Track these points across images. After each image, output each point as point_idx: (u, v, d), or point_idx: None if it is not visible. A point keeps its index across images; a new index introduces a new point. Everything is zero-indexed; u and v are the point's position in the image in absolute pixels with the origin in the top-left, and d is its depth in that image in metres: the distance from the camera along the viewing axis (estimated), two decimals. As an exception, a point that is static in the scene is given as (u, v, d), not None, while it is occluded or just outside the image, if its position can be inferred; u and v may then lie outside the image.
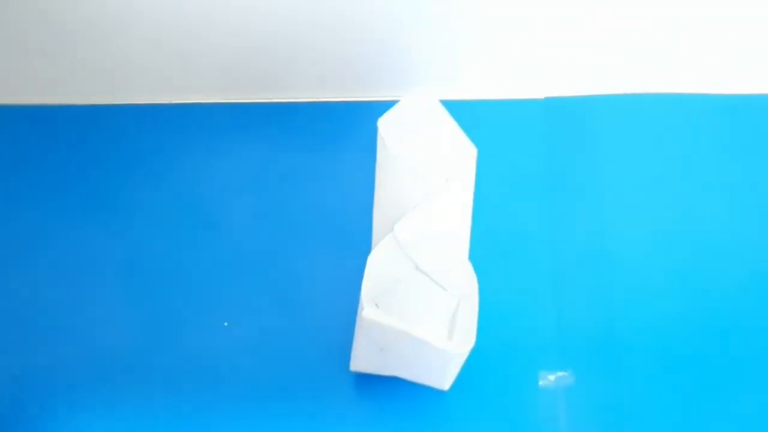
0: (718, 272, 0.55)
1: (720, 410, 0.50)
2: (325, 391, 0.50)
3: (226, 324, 0.52)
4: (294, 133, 0.60)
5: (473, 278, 0.47)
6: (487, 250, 0.53)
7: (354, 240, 0.51)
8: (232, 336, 0.52)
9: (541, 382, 0.51)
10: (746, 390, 0.51)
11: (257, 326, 0.52)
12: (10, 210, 0.57)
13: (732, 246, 0.56)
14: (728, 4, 0.60)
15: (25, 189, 0.58)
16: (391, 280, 0.49)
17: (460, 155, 0.46)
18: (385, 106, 0.47)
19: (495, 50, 0.61)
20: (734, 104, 0.63)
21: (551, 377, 0.51)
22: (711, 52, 0.62)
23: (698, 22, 0.61)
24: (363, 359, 0.48)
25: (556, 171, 0.59)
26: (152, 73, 0.61)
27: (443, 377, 0.47)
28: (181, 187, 0.58)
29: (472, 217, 0.48)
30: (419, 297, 0.49)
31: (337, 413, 0.49)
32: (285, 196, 0.57)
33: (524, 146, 0.61)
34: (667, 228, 0.57)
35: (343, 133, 0.60)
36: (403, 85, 0.61)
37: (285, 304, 0.53)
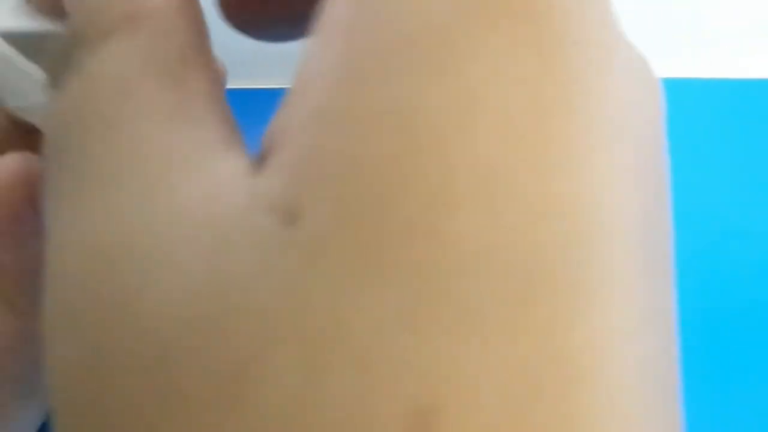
0: (736, 262, 0.55)
1: (723, 405, 0.50)
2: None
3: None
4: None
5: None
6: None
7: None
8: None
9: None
10: (753, 385, 0.51)
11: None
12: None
13: (747, 235, 0.56)
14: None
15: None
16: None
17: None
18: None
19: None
20: (753, 89, 0.62)
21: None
22: (730, 36, 0.61)
23: (718, 5, 0.60)
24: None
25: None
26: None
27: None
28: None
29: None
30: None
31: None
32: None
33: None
34: (681, 214, 0.57)
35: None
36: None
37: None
